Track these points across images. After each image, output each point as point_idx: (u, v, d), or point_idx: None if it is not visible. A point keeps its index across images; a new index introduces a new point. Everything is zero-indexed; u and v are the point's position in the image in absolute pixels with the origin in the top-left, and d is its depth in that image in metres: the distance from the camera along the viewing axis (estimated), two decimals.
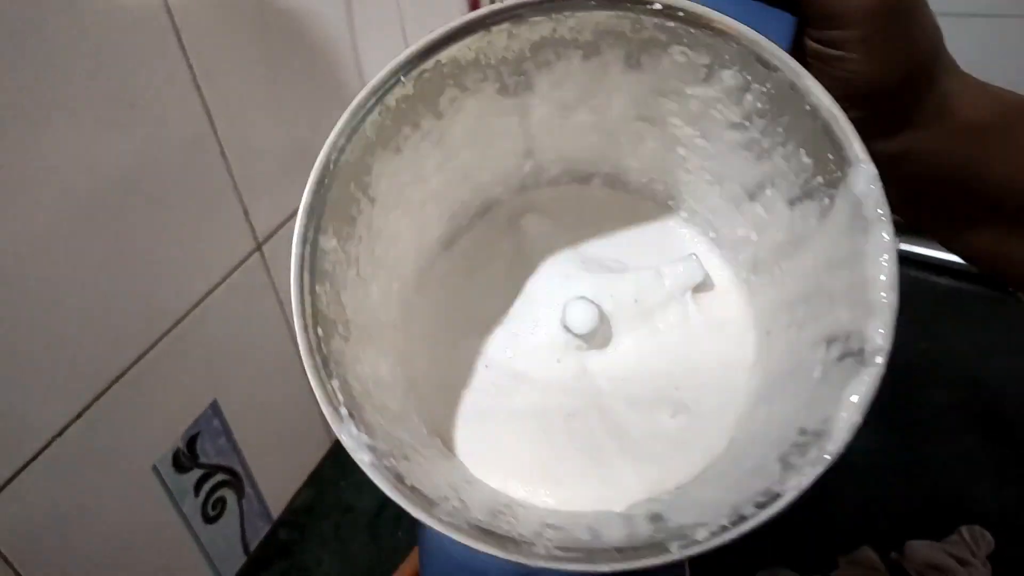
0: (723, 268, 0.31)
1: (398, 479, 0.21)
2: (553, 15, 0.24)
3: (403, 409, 0.26)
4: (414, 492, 0.21)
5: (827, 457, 0.20)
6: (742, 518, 0.20)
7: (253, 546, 0.51)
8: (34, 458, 0.35)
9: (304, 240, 0.23)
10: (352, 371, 0.23)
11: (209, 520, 0.47)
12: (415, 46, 0.24)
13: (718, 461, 0.25)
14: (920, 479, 0.50)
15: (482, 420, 0.27)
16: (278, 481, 0.53)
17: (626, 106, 0.28)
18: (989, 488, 0.49)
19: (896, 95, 0.25)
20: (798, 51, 0.25)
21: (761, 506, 0.20)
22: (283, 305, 0.50)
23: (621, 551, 0.21)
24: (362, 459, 0.21)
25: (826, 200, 0.24)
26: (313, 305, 0.23)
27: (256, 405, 0.49)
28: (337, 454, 0.57)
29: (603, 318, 0.29)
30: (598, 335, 0.29)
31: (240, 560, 0.50)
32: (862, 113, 0.23)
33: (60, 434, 0.36)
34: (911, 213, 0.28)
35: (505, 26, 0.24)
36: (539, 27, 0.25)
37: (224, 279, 0.44)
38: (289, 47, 0.46)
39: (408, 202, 0.28)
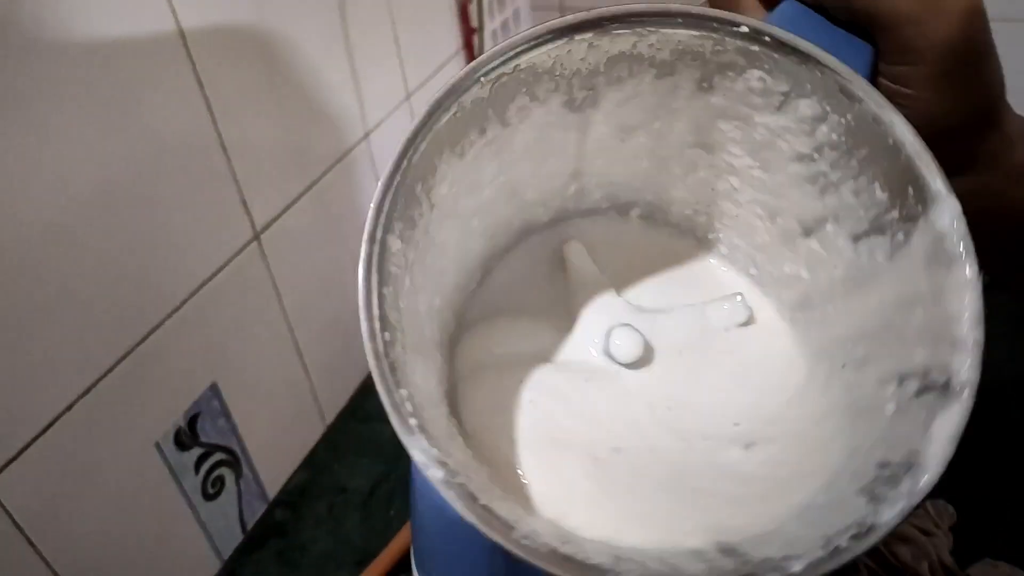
0: (764, 307, 0.30)
1: (471, 498, 0.20)
2: (638, 29, 0.24)
3: (449, 432, 0.24)
4: (489, 513, 0.19)
5: (923, 487, 0.20)
6: (838, 549, 0.19)
7: (250, 524, 0.53)
8: (44, 431, 0.36)
9: (372, 239, 0.22)
10: (412, 382, 0.22)
11: (208, 497, 0.48)
12: (499, 46, 0.23)
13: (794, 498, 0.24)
14: None
15: (531, 451, 0.26)
16: (274, 462, 0.54)
17: (685, 131, 0.28)
18: (950, 465, 0.49)
19: (960, 136, 0.25)
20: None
21: (857, 538, 0.19)
22: (279, 293, 0.51)
23: None
24: (435, 475, 0.19)
25: (900, 236, 0.24)
26: (380, 308, 0.21)
27: (254, 388, 0.50)
28: (331, 438, 0.59)
29: (648, 348, 0.28)
30: (642, 365, 0.28)
31: (237, 538, 0.52)
32: None
33: (68, 409, 0.37)
34: None
35: (589, 36, 0.24)
36: (620, 41, 0.24)
37: (223, 267, 0.46)
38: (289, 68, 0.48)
39: (460, 213, 0.27)
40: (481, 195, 0.27)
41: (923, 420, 0.21)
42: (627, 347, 0.28)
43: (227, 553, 0.50)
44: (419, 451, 0.20)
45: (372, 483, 0.54)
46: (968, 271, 0.22)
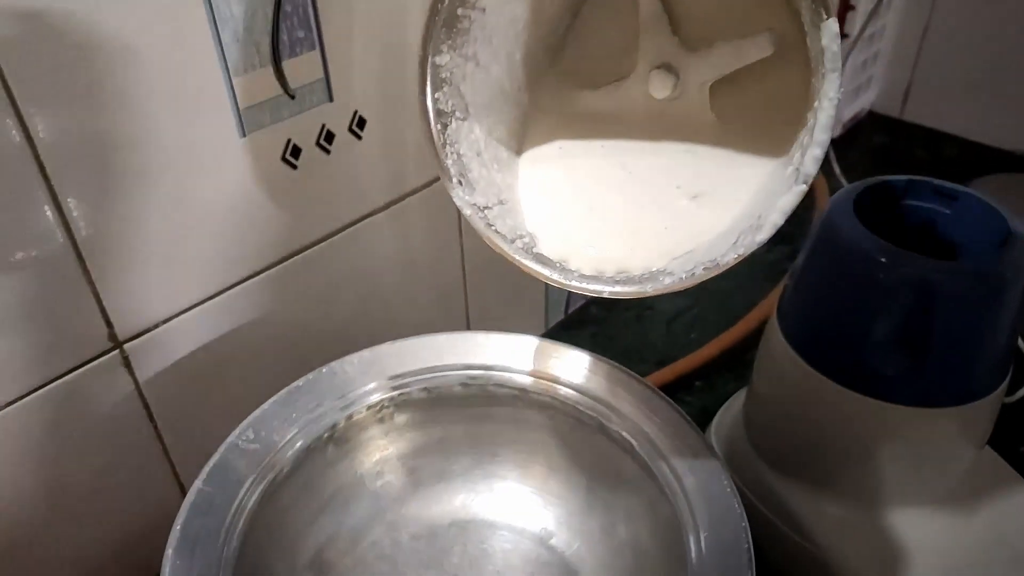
0: None
1: (488, 225, 0.33)
2: None
3: (509, 158, 0.36)
4: (497, 233, 0.33)
5: (757, 242, 0.28)
6: (694, 275, 0.30)
7: (572, 309, 0.66)
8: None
9: (423, 64, 0.31)
10: (466, 142, 0.33)
11: None
12: None
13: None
14: None
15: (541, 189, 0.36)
16: None
17: None
18: None
19: None
20: None
21: (707, 270, 0.29)
22: None
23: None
24: (466, 212, 0.33)
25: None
26: (435, 107, 0.32)
27: None
28: None
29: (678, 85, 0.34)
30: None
31: (560, 316, 0.66)
32: None
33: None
34: None
35: None
36: None
37: None
38: None
39: None
40: None
41: (777, 196, 0.28)
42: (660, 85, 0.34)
43: (551, 324, 0.66)
44: (456, 197, 0.33)
45: (677, 310, 0.66)
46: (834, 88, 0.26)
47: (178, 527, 0.30)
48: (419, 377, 0.39)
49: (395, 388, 0.38)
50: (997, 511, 0.44)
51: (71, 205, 0.34)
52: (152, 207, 0.37)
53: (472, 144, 0.34)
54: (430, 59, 0.31)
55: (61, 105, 0.33)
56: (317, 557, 0.37)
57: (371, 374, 0.38)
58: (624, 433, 0.36)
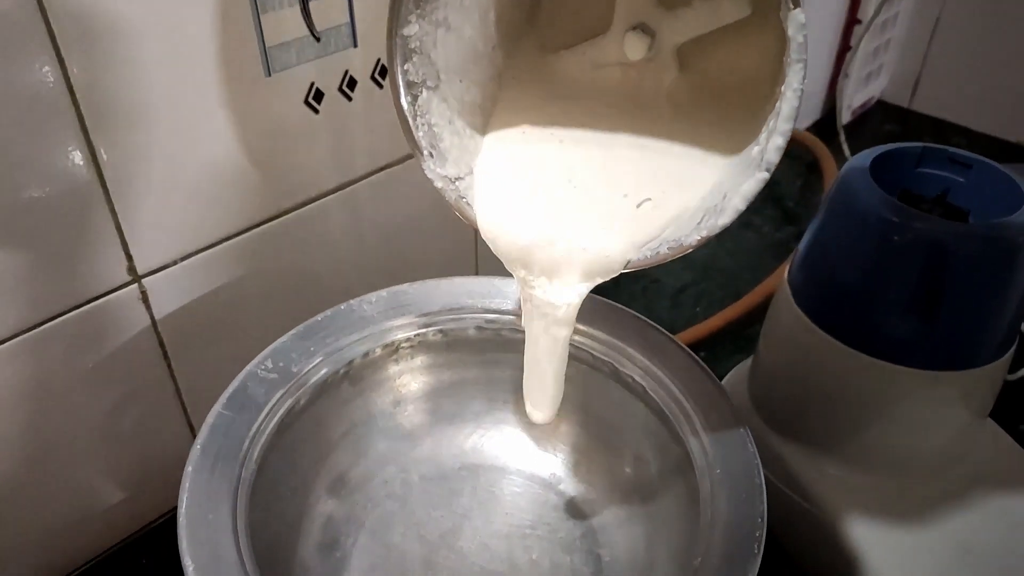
0: None
1: (459, 197, 0.33)
2: None
3: (483, 125, 0.35)
4: (468, 206, 0.33)
5: (719, 225, 0.28)
6: (658, 254, 0.30)
7: None
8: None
9: (390, 37, 0.30)
10: (437, 111, 0.32)
11: None
12: None
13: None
14: None
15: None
16: None
17: None
18: None
19: None
20: None
21: (671, 249, 0.29)
22: None
23: None
24: (437, 185, 0.32)
25: None
26: (404, 79, 0.31)
27: None
28: None
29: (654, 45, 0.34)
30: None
31: None
32: None
33: None
34: None
35: None
36: None
37: None
38: None
39: None
40: None
41: (740, 182, 0.28)
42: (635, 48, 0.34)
43: None
44: (427, 170, 0.32)
45: (683, 284, 0.66)
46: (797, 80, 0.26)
47: (198, 446, 0.31)
48: (436, 318, 0.39)
49: (411, 328, 0.39)
50: (998, 481, 0.44)
51: (98, 138, 0.35)
52: (177, 143, 0.37)
53: (443, 113, 0.33)
54: (397, 32, 0.30)
55: (95, 41, 0.33)
56: (328, 493, 0.37)
57: (389, 313, 0.38)
58: (636, 377, 0.37)
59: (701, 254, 0.66)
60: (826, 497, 0.43)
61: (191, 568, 0.27)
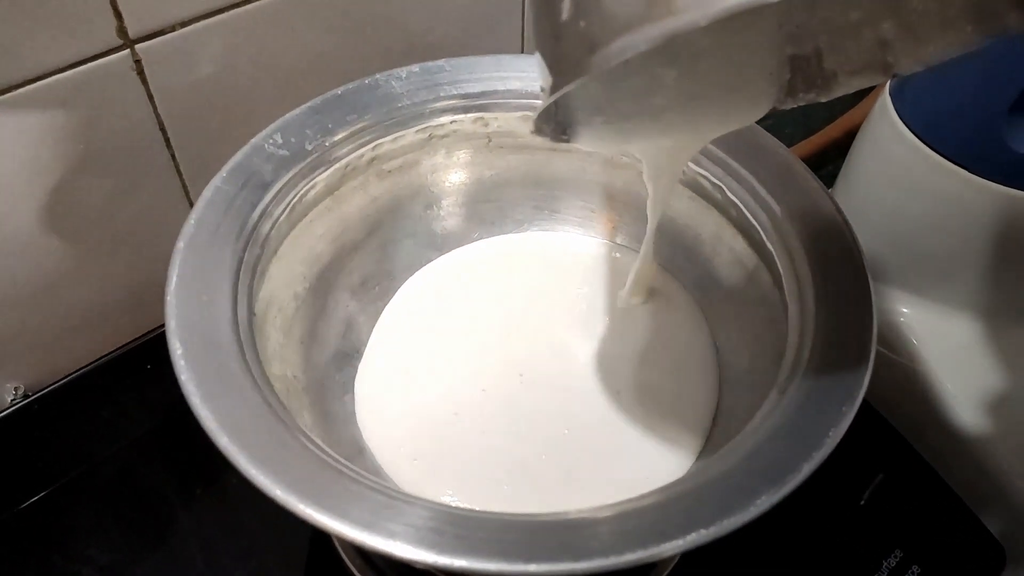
0: None
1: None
2: None
3: None
4: None
5: None
6: None
7: None
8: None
9: None
10: None
11: None
12: None
13: None
14: None
15: None
16: None
17: None
18: None
19: None
20: None
21: None
22: None
23: None
24: None
25: None
26: None
27: None
28: None
29: None
30: None
31: None
32: None
33: None
34: None
35: None
36: None
37: None
38: None
39: None
40: None
41: None
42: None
43: None
44: None
45: None
46: None
47: (192, 220, 0.26)
48: (475, 103, 0.33)
49: (447, 114, 0.32)
50: None
51: None
52: None
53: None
54: None
55: None
56: (351, 296, 0.33)
57: (420, 93, 0.32)
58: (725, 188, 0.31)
59: None
60: (916, 346, 0.38)
61: (178, 352, 0.22)
